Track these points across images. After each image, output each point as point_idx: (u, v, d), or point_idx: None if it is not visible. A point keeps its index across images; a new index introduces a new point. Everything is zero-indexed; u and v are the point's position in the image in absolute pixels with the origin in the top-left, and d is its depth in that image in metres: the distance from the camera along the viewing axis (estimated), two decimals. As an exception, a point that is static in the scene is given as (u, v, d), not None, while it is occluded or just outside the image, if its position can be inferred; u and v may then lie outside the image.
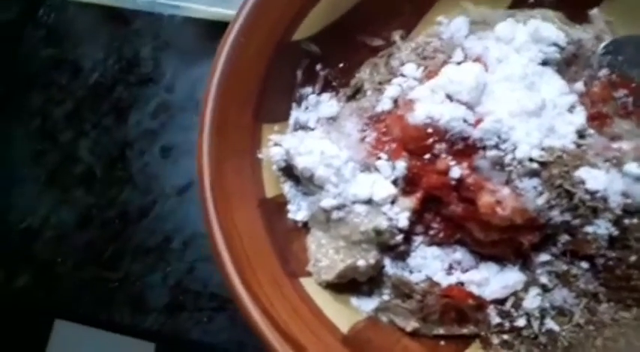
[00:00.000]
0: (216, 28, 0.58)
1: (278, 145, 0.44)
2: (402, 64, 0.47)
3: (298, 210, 0.44)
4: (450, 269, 0.42)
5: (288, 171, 0.44)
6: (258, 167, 0.43)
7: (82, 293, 0.53)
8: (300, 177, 0.44)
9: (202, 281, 0.52)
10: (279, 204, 0.43)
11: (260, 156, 0.44)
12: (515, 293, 0.41)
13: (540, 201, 0.38)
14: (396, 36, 0.50)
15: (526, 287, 0.41)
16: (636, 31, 0.46)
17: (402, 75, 0.46)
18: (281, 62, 0.45)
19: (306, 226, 0.44)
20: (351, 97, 0.49)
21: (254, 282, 0.37)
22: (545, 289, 0.41)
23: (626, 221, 0.38)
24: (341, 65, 0.50)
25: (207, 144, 0.40)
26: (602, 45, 0.46)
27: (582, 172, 0.38)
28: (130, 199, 0.56)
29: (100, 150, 0.58)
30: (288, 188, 0.45)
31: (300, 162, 0.42)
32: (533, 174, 0.39)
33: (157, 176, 0.56)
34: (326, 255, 0.41)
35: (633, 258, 0.38)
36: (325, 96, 0.49)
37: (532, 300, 0.41)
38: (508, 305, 0.41)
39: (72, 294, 0.53)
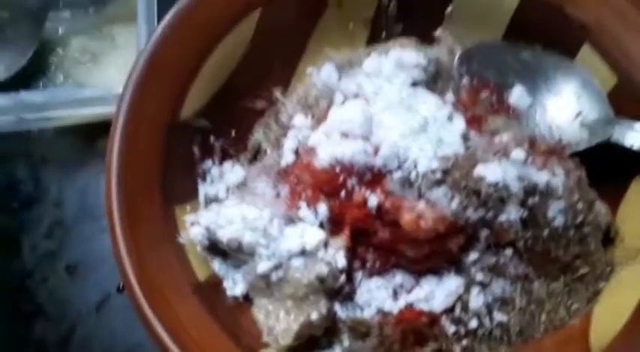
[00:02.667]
0: (91, 131, 0.57)
1: (196, 224, 0.42)
2: (291, 117, 0.49)
3: (235, 286, 0.43)
4: (395, 295, 0.43)
5: (213, 248, 0.43)
6: (183, 252, 0.42)
7: None
8: (227, 251, 0.43)
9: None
10: (215, 285, 0.42)
11: (181, 240, 0.42)
12: (460, 298, 0.43)
13: (454, 204, 0.41)
14: (277, 93, 0.52)
15: (467, 289, 0.43)
16: (479, 39, 0.52)
17: (295, 126, 0.48)
18: (176, 143, 0.45)
19: (247, 299, 0.43)
20: (253, 160, 0.50)
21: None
22: (483, 285, 0.43)
23: (530, 201, 0.42)
24: (233, 133, 0.51)
25: (122, 241, 0.38)
26: (456, 58, 0.51)
27: (479, 169, 0.42)
28: (45, 333, 0.50)
29: (-5, 289, 0.52)
30: (218, 266, 0.43)
31: (224, 235, 0.41)
32: (439, 183, 0.42)
33: (68, 299, 0.52)
34: (277, 320, 0.40)
35: (546, 233, 0.42)
36: (227, 165, 0.49)
37: (476, 299, 0.43)
38: (457, 311, 0.43)
39: None
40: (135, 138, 0.42)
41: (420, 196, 0.41)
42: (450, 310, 0.43)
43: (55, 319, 0.51)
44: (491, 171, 0.42)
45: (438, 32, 0.55)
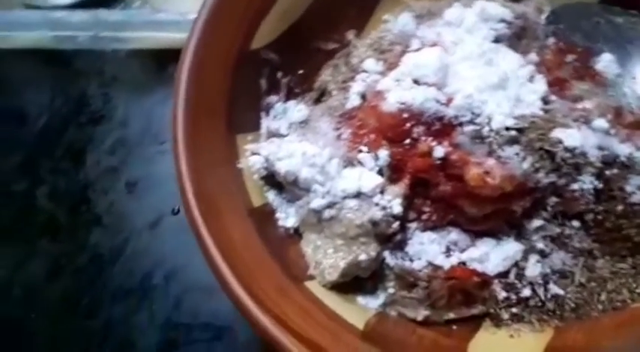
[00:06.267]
0: (162, 56, 0.57)
1: (256, 154, 0.42)
2: (362, 61, 0.47)
3: (287, 218, 0.43)
4: (447, 252, 0.42)
5: (270, 179, 0.43)
6: (241, 177, 0.42)
7: (63, 348, 0.48)
8: (283, 183, 0.43)
9: (192, 313, 0.49)
10: (268, 213, 0.42)
11: (240, 166, 0.42)
12: (516, 264, 0.41)
13: (525, 165, 0.39)
14: (351, 35, 0.51)
15: (525, 256, 0.41)
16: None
17: (364, 71, 0.47)
18: (244, 72, 0.45)
19: (296, 233, 0.43)
20: (317, 100, 0.49)
21: (259, 291, 0.35)
22: (543, 255, 0.41)
23: (607, 172, 0.39)
24: (301, 71, 0.50)
25: (184, 159, 0.38)
26: (544, 16, 0.48)
27: (558, 132, 0.39)
28: (101, 241, 0.52)
29: (60, 195, 0.54)
30: (272, 196, 0.43)
31: (283, 167, 0.41)
32: (512, 141, 0.39)
33: (125, 213, 0.54)
34: (326, 256, 0.40)
35: (620, 208, 0.40)
36: (291, 103, 0.49)
37: (533, 268, 0.41)
38: (511, 277, 0.41)
39: (51, 351, 0.49)
40: (205, 63, 0.42)
41: (490, 153, 0.40)
42: (503, 275, 0.41)
43: (111, 230, 0.53)
44: (569, 136, 0.39)
45: (530, -13, 0.52)
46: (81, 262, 0.51)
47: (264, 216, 0.41)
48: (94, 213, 0.54)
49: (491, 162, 0.39)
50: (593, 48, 0.47)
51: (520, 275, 0.41)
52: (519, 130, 0.40)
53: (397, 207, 0.40)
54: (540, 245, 0.41)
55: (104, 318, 0.49)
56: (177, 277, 0.50)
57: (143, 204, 0.53)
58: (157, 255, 0.51)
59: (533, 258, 0.41)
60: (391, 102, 0.41)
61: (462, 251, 0.42)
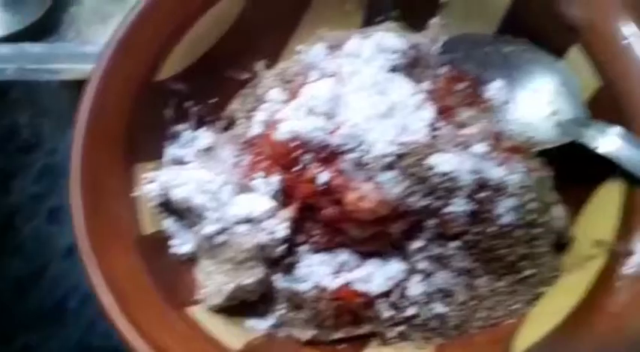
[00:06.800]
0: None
1: (152, 182, 0.44)
2: (267, 91, 0.50)
3: (183, 244, 0.45)
4: (337, 273, 0.44)
5: (168, 206, 0.45)
6: (134, 205, 0.44)
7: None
8: (179, 211, 0.45)
9: (104, 336, 0.51)
10: (160, 240, 0.44)
11: (135, 194, 0.44)
12: (399, 284, 0.43)
13: (398, 189, 0.41)
14: (260, 66, 0.53)
15: (408, 276, 0.43)
16: (467, 31, 0.51)
17: (269, 100, 0.49)
18: (147, 102, 0.47)
19: (193, 259, 0.45)
20: (226, 129, 0.51)
21: (142, 321, 0.37)
22: (426, 274, 0.43)
23: (480, 195, 0.42)
24: (212, 100, 0.52)
25: (78, 187, 0.40)
26: (439, 46, 0.51)
27: (433, 159, 0.42)
28: (22, 267, 0.54)
29: (-17, 223, 0.56)
30: (170, 224, 0.45)
31: (177, 194, 0.43)
32: (389, 167, 0.42)
33: (47, 240, 0.55)
34: (214, 281, 0.42)
35: (492, 229, 0.42)
36: (201, 131, 0.51)
37: (416, 287, 0.43)
38: (394, 297, 0.43)
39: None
40: (106, 95, 0.44)
41: (370, 179, 0.42)
42: (386, 294, 0.43)
43: (32, 256, 0.54)
44: (444, 161, 0.41)
45: (433, 21, 0.55)
46: (0, 288, 0.53)
47: (155, 244, 0.43)
48: (17, 239, 0.55)
49: (367, 187, 0.41)
50: (484, 76, 0.50)
51: (403, 295, 0.43)
52: (398, 156, 0.42)
53: (282, 231, 0.42)
54: (422, 265, 0.43)
55: (21, 343, 0.51)
56: (92, 301, 0.51)
57: (63, 230, 0.55)
58: (74, 279, 0.53)
59: (416, 278, 0.43)
60: (282, 131, 0.44)
61: (351, 271, 0.44)
